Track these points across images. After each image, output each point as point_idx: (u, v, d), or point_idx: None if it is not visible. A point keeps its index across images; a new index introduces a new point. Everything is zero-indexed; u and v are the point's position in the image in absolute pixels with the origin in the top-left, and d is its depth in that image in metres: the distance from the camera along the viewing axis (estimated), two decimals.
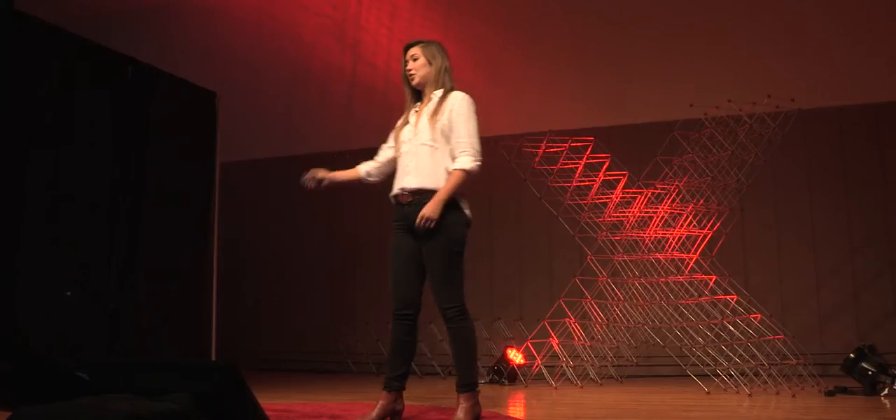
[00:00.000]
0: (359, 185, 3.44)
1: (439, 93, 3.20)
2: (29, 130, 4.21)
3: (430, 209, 2.98)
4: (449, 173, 3.07)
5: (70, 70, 4.48)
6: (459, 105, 3.13)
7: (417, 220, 2.99)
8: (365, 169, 3.41)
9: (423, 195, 3.07)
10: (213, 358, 5.38)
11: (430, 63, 3.23)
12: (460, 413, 3.07)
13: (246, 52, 7.98)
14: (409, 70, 3.24)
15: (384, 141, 3.44)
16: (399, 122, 3.31)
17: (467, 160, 3.07)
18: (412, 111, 3.27)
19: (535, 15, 7.38)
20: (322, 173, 3.34)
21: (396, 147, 3.25)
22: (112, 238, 4.66)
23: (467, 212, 3.13)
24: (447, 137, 3.11)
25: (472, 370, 3.12)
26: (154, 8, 8.14)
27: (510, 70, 7.48)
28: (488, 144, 7.11)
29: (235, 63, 7.90)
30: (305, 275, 7.96)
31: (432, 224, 2.98)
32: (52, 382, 2.10)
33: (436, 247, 3.03)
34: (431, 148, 3.10)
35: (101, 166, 4.63)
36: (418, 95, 3.29)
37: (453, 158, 3.11)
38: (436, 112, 3.13)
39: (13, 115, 4.11)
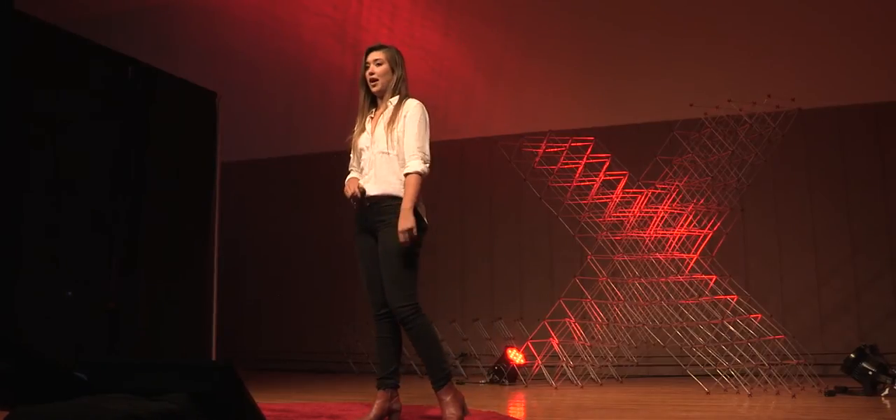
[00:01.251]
0: None
1: (395, 100, 3.21)
2: (29, 130, 4.21)
3: (404, 223, 3.01)
4: (403, 179, 3.11)
5: (70, 70, 4.48)
6: (413, 112, 3.15)
7: (400, 238, 3.02)
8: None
9: (382, 201, 3.12)
10: (213, 358, 5.38)
11: (393, 70, 3.23)
12: (450, 410, 3.06)
13: (246, 52, 7.99)
14: (372, 74, 3.22)
15: None
16: (356, 129, 3.31)
17: (417, 163, 3.09)
18: (368, 117, 3.27)
19: (536, 15, 7.38)
20: (356, 191, 3.23)
21: (356, 155, 3.27)
22: (112, 238, 4.66)
23: (423, 214, 3.15)
24: (401, 144, 3.13)
25: (442, 363, 3.14)
26: (154, 8, 8.15)
27: (511, 70, 7.49)
28: (488, 144, 7.21)
29: (236, 63, 7.90)
30: (306, 275, 7.96)
31: (413, 232, 3.02)
32: (51, 382, 2.10)
33: (390, 246, 3.06)
34: (387, 155, 3.13)
35: (101, 166, 4.63)
36: (373, 100, 3.30)
37: (403, 162, 3.13)
38: (392, 120, 3.15)
39: (13, 115, 4.11)
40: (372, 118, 3.26)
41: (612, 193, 5.66)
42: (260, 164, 8.28)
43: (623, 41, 7.03)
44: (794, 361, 4.96)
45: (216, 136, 5.64)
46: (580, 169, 5.67)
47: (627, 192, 5.66)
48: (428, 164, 3.12)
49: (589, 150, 5.65)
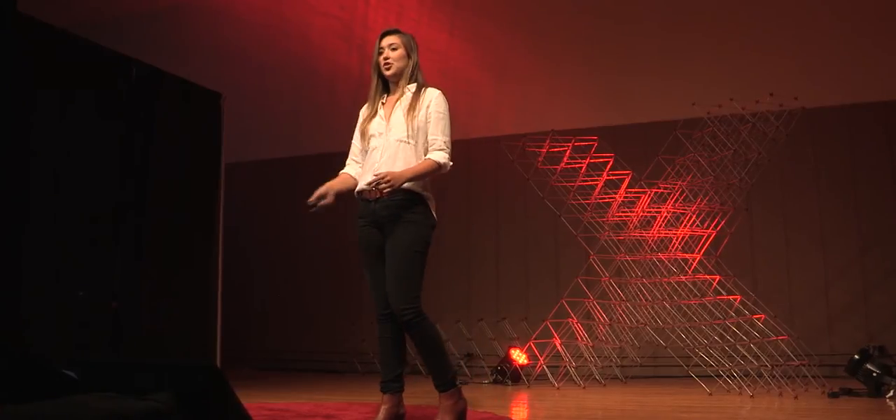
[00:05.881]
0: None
1: (412, 87, 3.08)
2: (33, 132, 4.25)
3: (393, 174, 2.84)
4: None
5: (74, 72, 4.52)
6: (437, 102, 3.03)
7: (383, 179, 2.83)
8: (354, 172, 3.19)
9: (394, 193, 2.92)
10: (219, 359, 5.42)
11: (408, 55, 3.10)
12: (444, 414, 2.97)
13: (252, 53, 8.02)
14: (386, 58, 3.07)
15: None
16: (364, 113, 3.16)
17: (442, 155, 2.96)
18: (379, 103, 3.12)
19: (541, 15, 7.36)
20: (321, 191, 3.08)
21: (365, 141, 3.11)
22: (116, 238, 4.70)
23: (433, 209, 3.01)
24: (423, 134, 3.00)
25: (446, 367, 3.01)
26: (160, 10, 8.20)
27: (516, 69, 7.47)
28: (494, 144, 7.20)
29: (242, 64, 7.94)
30: (311, 275, 7.99)
31: (393, 183, 2.83)
32: (39, 381, 2.12)
33: (398, 243, 2.91)
34: (407, 144, 2.98)
35: (105, 167, 4.67)
36: (385, 86, 3.15)
37: (425, 154, 3.00)
38: (412, 107, 3.01)
39: (17, 116, 4.15)
40: (384, 104, 3.12)
41: (616, 193, 5.64)
42: (265, 165, 8.32)
43: (626, 41, 7.00)
44: (798, 362, 4.91)
45: (221, 138, 5.67)
46: (583, 168, 5.66)
47: (630, 192, 5.64)
48: (451, 164, 2.99)
49: (592, 149, 5.63)
